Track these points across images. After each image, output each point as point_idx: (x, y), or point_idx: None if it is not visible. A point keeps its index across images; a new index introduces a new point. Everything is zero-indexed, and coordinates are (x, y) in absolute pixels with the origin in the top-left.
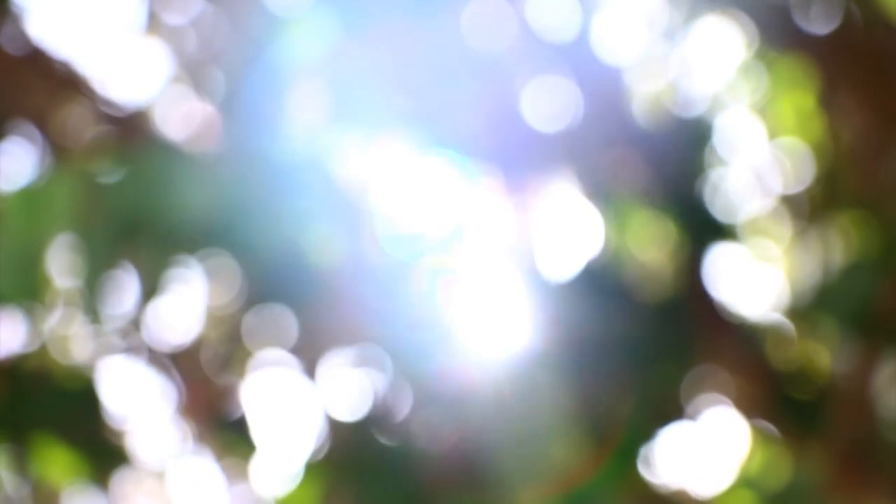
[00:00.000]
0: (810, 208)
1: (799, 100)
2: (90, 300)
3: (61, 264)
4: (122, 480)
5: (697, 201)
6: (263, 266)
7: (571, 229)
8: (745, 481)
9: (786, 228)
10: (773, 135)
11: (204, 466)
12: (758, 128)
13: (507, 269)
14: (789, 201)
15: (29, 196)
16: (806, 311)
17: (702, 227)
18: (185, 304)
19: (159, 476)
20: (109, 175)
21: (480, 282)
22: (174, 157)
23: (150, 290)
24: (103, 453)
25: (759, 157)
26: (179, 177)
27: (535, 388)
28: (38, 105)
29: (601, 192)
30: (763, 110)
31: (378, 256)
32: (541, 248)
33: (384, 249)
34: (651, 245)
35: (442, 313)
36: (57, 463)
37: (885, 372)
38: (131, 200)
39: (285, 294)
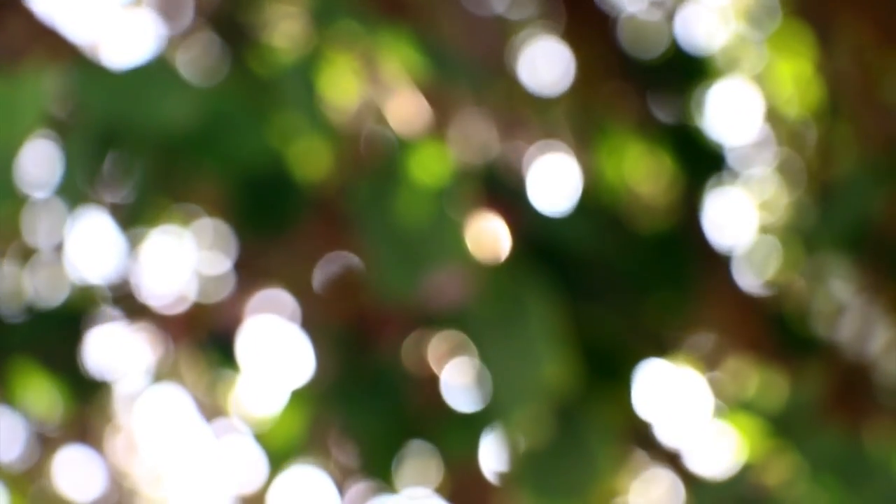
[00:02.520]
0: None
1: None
2: (70, 212)
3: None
4: (102, 408)
5: (693, 134)
6: (247, 180)
7: (567, 161)
8: (742, 405)
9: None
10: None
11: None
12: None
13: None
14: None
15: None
16: (804, 233)
17: (698, 160)
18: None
19: (139, 404)
20: (87, 82)
21: (470, 202)
22: (154, 66)
23: (131, 206)
24: (84, 381)
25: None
26: (159, 86)
27: (526, 309)
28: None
29: (597, 125)
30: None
31: (363, 170)
32: (536, 178)
33: (369, 163)
34: (647, 178)
35: (430, 231)
36: (36, 390)
37: (884, 293)
38: (110, 108)
39: (269, 209)
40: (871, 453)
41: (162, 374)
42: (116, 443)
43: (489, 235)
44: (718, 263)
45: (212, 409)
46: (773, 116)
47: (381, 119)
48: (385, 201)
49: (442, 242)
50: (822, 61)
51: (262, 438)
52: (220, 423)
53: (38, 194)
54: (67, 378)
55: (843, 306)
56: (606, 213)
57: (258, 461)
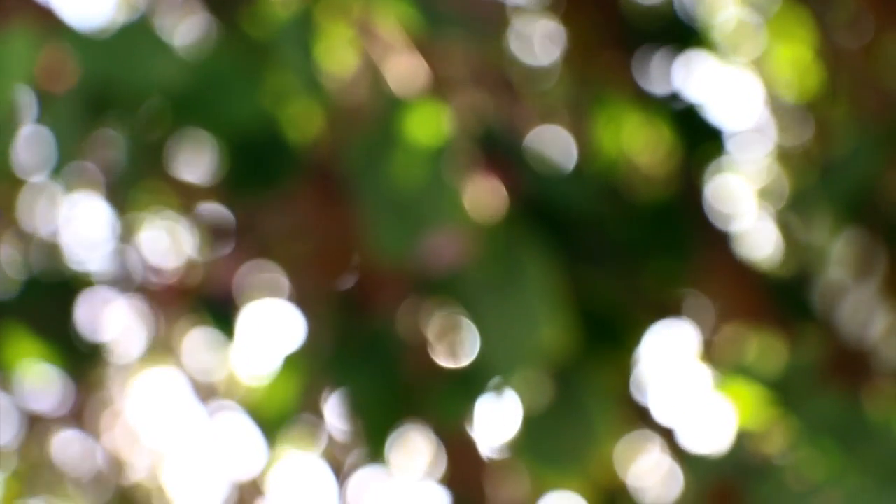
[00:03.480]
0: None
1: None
2: (61, 174)
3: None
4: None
5: (691, 105)
6: (239, 142)
7: (564, 129)
8: (739, 370)
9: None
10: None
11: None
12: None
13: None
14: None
15: None
16: (804, 200)
17: (695, 131)
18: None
19: (134, 369)
20: (72, 45)
21: (467, 163)
22: (138, 28)
23: (124, 167)
24: (78, 351)
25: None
26: (146, 49)
27: (523, 271)
28: None
29: (594, 94)
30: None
31: (358, 131)
32: (534, 139)
33: (365, 124)
34: (644, 149)
35: (426, 192)
36: (28, 355)
37: (884, 259)
38: (100, 69)
39: (262, 171)
40: (871, 417)
41: (156, 344)
42: (113, 427)
43: (486, 197)
44: (716, 233)
45: (207, 389)
46: (773, 101)
47: (376, 79)
48: (381, 162)
49: (438, 204)
50: (822, 44)
51: (255, 406)
52: (215, 402)
53: (31, 174)
54: (61, 347)
55: (841, 281)
56: (604, 181)
57: (254, 444)
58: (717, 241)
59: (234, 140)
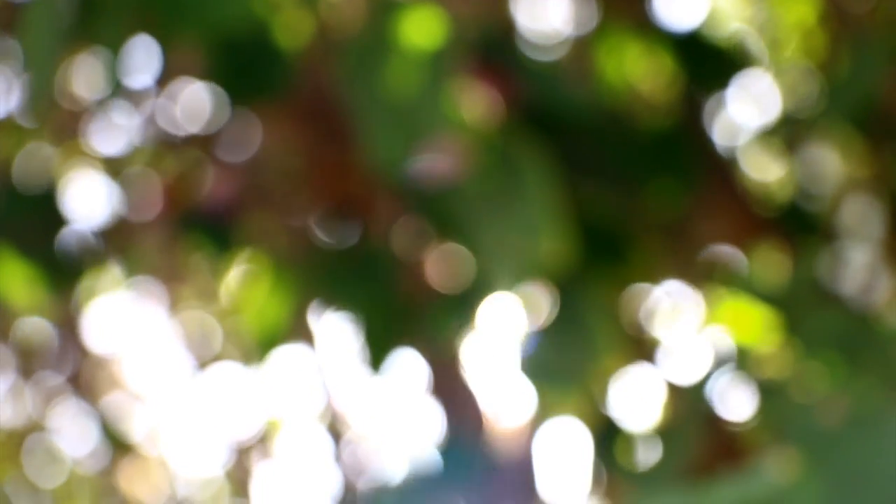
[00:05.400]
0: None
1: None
2: (40, 89)
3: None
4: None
5: (694, 33)
6: (229, 46)
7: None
8: (741, 286)
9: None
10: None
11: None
12: None
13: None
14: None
15: None
16: (809, 114)
17: (699, 62)
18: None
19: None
20: None
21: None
22: None
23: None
24: (64, 266)
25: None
26: None
27: (523, 180)
28: None
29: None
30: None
31: (350, 36)
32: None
33: (357, 29)
34: (647, 78)
35: (421, 99)
36: (14, 275)
37: (890, 171)
38: None
39: (252, 76)
40: (878, 328)
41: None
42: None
43: (483, 105)
44: (718, 158)
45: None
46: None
47: None
48: (374, 69)
49: (434, 111)
50: (827, 7)
51: (247, 322)
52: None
53: None
54: (44, 263)
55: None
56: (607, 101)
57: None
58: (719, 166)
59: (224, 45)
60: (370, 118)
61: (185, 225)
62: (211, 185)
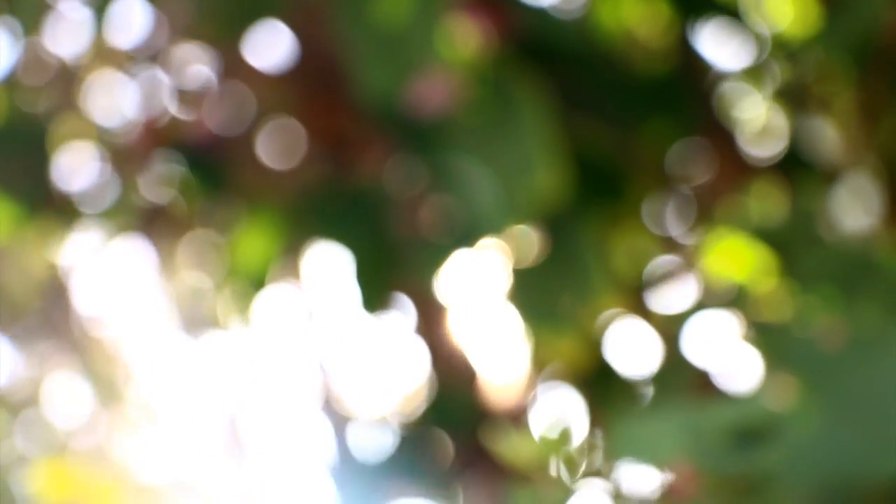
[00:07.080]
0: None
1: None
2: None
3: None
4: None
5: None
6: None
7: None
8: (740, 224)
9: None
10: None
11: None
12: None
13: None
14: None
15: None
16: (809, 48)
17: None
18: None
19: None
20: None
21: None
22: None
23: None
24: (50, 206)
25: None
26: None
27: (517, 112)
28: None
29: None
30: None
31: None
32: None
33: None
34: (644, 21)
35: (413, 28)
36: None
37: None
38: None
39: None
40: (876, 261)
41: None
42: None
43: (476, 35)
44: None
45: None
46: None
47: None
48: None
49: (426, 42)
50: None
51: (236, 261)
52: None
53: None
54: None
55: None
56: (603, 49)
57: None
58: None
59: None
60: (362, 50)
61: (170, 160)
62: (195, 120)
